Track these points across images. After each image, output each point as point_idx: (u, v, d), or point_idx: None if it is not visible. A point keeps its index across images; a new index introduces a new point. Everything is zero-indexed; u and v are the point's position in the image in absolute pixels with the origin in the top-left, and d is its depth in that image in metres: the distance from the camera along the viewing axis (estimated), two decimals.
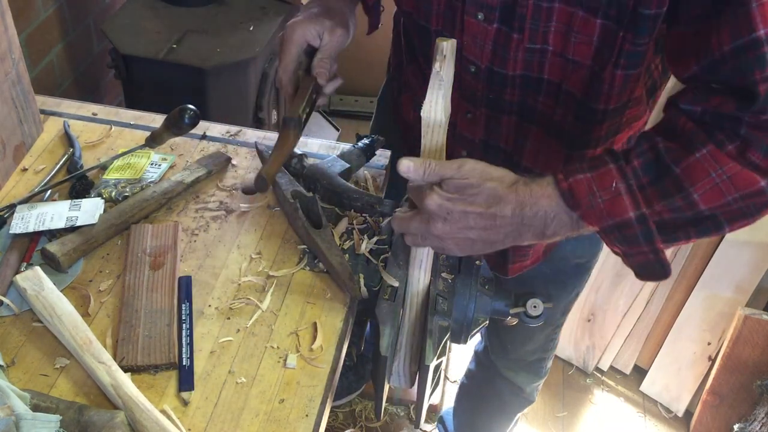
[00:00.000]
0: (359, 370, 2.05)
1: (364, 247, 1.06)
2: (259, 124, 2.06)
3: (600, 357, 2.26)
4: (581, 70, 0.93)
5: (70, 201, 1.08)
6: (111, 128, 1.29)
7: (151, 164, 1.21)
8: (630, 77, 0.93)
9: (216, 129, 1.31)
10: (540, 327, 1.39)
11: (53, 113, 1.31)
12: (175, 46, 1.83)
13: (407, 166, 0.82)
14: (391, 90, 1.33)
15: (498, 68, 0.97)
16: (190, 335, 0.95)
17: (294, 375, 0.93)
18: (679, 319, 2.06)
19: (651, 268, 0.86)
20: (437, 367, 1.03)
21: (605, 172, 0.82)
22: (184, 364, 0.92)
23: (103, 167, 1.19)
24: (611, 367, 2.29)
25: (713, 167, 0.78)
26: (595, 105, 0.97)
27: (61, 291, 0.96)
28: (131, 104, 1.94)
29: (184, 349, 0.93)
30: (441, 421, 2.03)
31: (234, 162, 1.24)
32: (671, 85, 1.17)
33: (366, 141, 1.22)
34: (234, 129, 1.31)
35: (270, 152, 1.09)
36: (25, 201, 1.11)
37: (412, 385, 1.10)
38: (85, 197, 1.11)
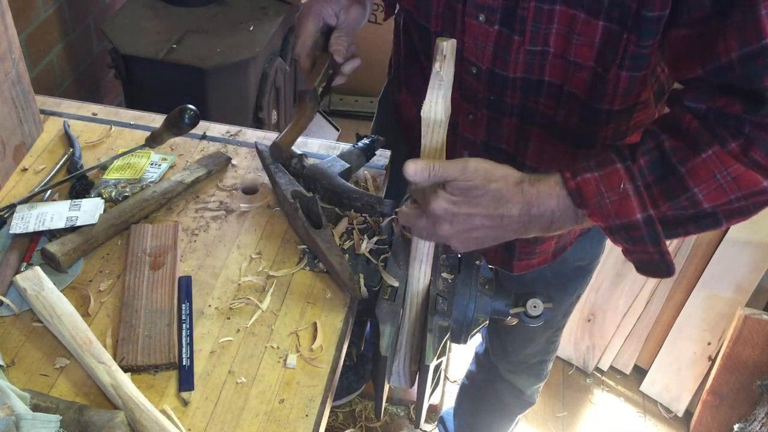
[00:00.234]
0: (359, 370, 2.05)
1: (364, 247, 1.06)
2: (259, 124, 2.06)
3: (600, 357, 2.26)
4: (583, 71, 0.93)
5: (70, 201, 1.08)
6: (111, 128, 1.29)
7: (151, 164, 1.21)
8: (636, 79, 0.92)
9: (216, 129, 1.31)
10: (541, 329, 1.40)
11: (53, 113, 1.31)
12: (175, 46, 1.83)
13: (413, 169, 0.82)
14: (391, 90, 1.33)
15: (499, 70, 0.97)
16: (190, 335, 0.95)
17: (294, 375, 0.93)
18: (679, 319, 2.06)
19: (654, 266, 0.87)
20: (437, 367, 1.03)
21: (613, 171, 0.82)
22: (184, 364, 0.92)
23: (103, 167, 1.19)
24: (611, 367, 2.29)
25: (718, 168, 0.79)
26: (599, 105, 0.96)
27: (61, 291, 0.96)
28: (131, 104, 1.94)
29: (184, 349, 0.93)
30: (441, 422, 2.02)
31: (234, 162, 1.24)
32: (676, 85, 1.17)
33: (366, 141, 1.22)
34: (234, 129, 1.31)
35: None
36: (25, 201, 1.11)
37: (412, 385, 1.10)
38: (85, 197, 1.11)
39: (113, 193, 1.13)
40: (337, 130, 2.70)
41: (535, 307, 0.97)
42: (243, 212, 1.15)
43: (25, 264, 1.02)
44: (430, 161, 0.83)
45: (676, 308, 2.07)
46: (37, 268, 0.97)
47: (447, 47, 0.81)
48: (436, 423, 2.05)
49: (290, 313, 1.00)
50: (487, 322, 0.99)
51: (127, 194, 1.13)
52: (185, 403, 0.88)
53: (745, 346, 1.90)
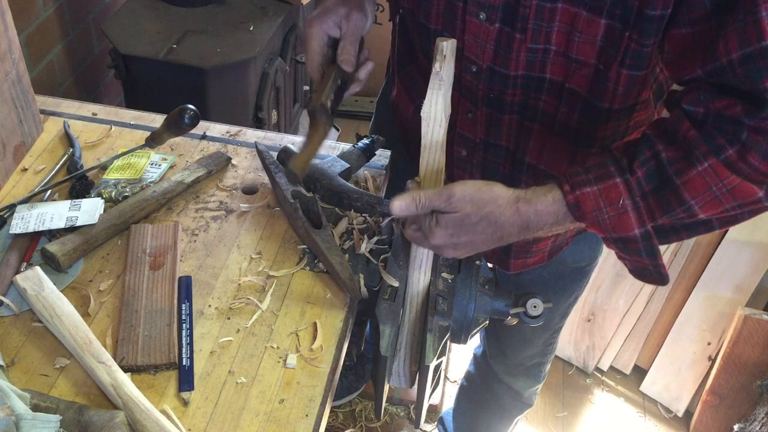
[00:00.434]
0: (359, 370, 2.05)
1: (364, 247, 1.06)
2: (259, 124, 2.06)
3: (600, 357, 2.26)
4: (585, 68, 0.93)
5: (70, 201, 1.08)
6: (111, 128, 1.29)
7: (151, 164, 1.21)
8: (636, 78, 0.92)
9: (216, 129, 1.31)
10: (539, 332, 1.39)
11: (53, 113, 1.31)
12: (175, 46, 1.83)
13: (398, 206, 0.86)
14: (390, 90, 1.33)
15: (499, 68, 0.97)
16: (190, 335, 0.95)
17: (294, 375, 0.93)
18: (679, 319, 2.06)
19: (648, 275, 0.89)
20: (437, 367, 1.03)
21: (612, 186, 0.83)
22: (184, 364, 0.92)
23: (103, 167, 1.19)
24: (611, 367, 2.29)
25: (714, 181, 0.80)
26: (600, 103, 0.96)
27: (61, 291, 0.96)
28: (131, 104, 1.94)
29: (184, 349, 0.93)
30: (441, 422, 2.02)
31: (234, 162, 1.24)
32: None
33: (366, 141, 1.22)
34: (234, 129, 1.31)
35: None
36: (25, 201, 1.11)
37: (412, 385, 1.10)
38: (85, 197, 1.11)
39: (113, 193, 1.13)
40: (337, 130, 2.70)
41: (535, 307, 0.97)
42: (243, 212, 1.15)
43: (25, 264, 1.02)
44: (414, 193, 0.85)
45: (676, 308, 2.07)
46: (37, 268, 0.97)
47: (447, 47, 0.81)
48: (436, 423, 2.05)
49: (290, 313, 1.00)
50: (487, 322, 0.99)
51: (127, 194, 1.13)
52: (185, 403, 0.88)
53: (745, 346, 1.90)
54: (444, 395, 2.12)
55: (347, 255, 1.05)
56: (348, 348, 1.02)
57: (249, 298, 1.01)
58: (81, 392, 0.88)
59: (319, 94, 1.01)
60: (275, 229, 1.13)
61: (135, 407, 0.84)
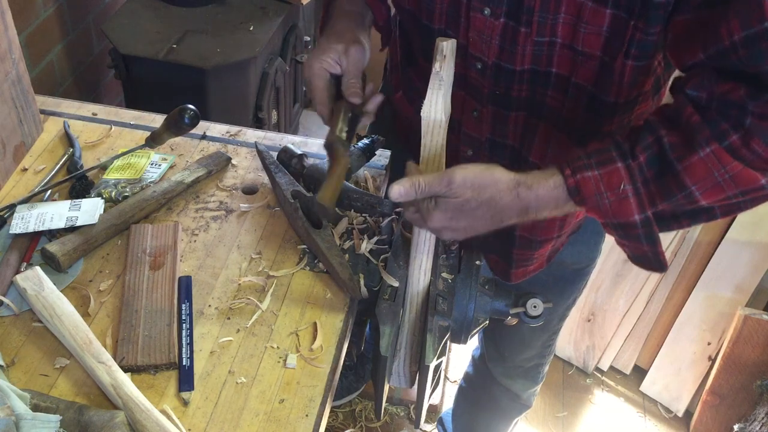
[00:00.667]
0: (359, 370, 2.05)
1: (364, 247, 1.06)
2: (259, 124, 2.06)
3: (600, 357, 2.26)
4: (591, 61, 0.92)
5: (70, 201, 1.08)
6: (111, 128, 1.29)
7: (151, 164, 1.21)
8: (641, 69, 0.92)
9: (216, 129, 1.31)
10: (537, 334, 1.39)
11: (53, 113, 1.31)
12: (175, 46, 1.83)
13: (398, 191, 0.85)
14: (388, 90, 1.33)
15: (505, 63, 0.97)
16: (190, 335, 0.95)
17: (294, 375, 0.93)
18: (679, 319, 2.06)
19: (647, 261, 0.89)
20: (437, 367, 1.03)
21: (613, 171, 0.83)
22: (184, 364, 0.92)
23: (103, 167, 1.19)
24: (611, 367, 2.29)
25: (716, 167, 0.79)
26: (606, 98, 0.96)
27: (61, 291, 0.96)
28: (131, 104, 1.94)
29: (184, 349, 0.93)
30: (440, 423, 2.02)
31: (234, 162, 1.24)
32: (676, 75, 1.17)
33: (366, 141, 1.22)
34: (234, 129, 1.31)
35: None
36: (25, 201, 1.11)
37: (412, 385, 1.10)
38: (85, 197, 1.11)
39: (113, 193, 1.13)
40: None
41: (535, 306, 0.97)
42: (243, 212, 1.15)
43: (25, 264, 1.02)
44: (414, 178, 0.85)
45: (676, 308, 2.07)
46: (37, 268, 0.97)
47: (447, 47, 0.81)
48: (435, 423, 2.05)
49: (290, 313, 1.00)
50: (487, 322, 0.99)
51: (127, 194, 1.13)
52: (185, 403, 0.88)
53: (745, 346, 1.90)
54: (444, 395, 2.12)
55: (347, 255, 1.05)
56: (348, 348, 1.02)
57: (249, 298, 1.01)
58: (81, 392, 0.88)
59: (333, 129, 1.05)
60: (275, 229, 1.13)
61: (135, 407, 0.84)
